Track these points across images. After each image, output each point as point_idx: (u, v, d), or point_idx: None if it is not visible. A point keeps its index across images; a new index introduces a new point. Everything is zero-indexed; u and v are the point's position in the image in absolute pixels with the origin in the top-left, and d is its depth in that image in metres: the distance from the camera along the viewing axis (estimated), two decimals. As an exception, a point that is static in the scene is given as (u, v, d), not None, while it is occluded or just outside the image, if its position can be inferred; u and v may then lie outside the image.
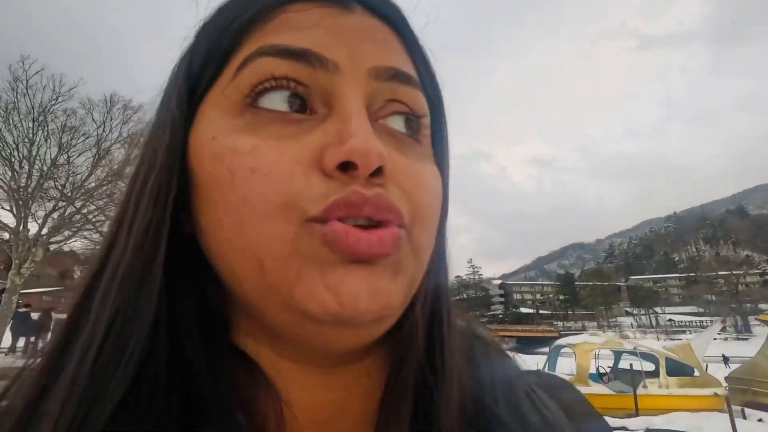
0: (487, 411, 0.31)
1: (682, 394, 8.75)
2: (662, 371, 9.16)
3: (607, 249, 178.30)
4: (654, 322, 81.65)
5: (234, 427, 0.27)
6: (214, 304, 0.31)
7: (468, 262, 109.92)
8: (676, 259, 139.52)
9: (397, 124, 0.32)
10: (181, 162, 0.30)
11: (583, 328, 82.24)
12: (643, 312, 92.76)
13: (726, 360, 20.13)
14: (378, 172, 0.27)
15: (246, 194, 0.27)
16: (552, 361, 10.37)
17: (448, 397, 0.30)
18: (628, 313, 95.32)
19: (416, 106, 0.32)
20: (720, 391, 8.80)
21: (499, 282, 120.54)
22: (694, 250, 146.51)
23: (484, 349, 0.35)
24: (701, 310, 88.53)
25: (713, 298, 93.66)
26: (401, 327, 0.30)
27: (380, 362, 0.33)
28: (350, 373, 0.32)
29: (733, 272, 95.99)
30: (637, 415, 7.94)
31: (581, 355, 9.37)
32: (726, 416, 8.02)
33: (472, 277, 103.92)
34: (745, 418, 8.11)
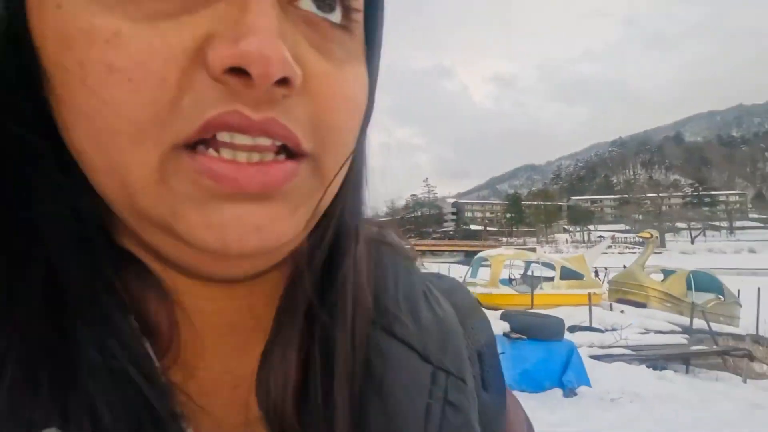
0: (388, 310, 0.31)
1: (569, 293, 11.03)
2: (557, 276, 11.38)
3: (555, 171, 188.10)
4: (586, 238, 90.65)
5: (124, 329, 0.24)
6: (90, 200, 0.25)
7: (424, 181, 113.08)
8: (614, 181, 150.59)
9: (310, 5, 0.24)
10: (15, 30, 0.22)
11: (524, 244, 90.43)
12: (578, 229, 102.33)
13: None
14: (284, 81, 0.21)
15: (103, 102, 0.20)
16: (474, 269, 12.38)
17: (346, 308, 0.29)
18: (565, 230, 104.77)
19: None
20: (598, 290, 11.19)
21: (452, 201, 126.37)
22: (631, 173, 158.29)
23: (391, 256, 0.35)
24: (628, 228, 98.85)
25: (640, 217, 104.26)
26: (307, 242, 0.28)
27: (287, 272, 0.30)
28: (252, 285, 0.29)
29: (660, 194, 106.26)
30: (532, 308, 10.08)
31: (495, 264, 11.33)
32: (598, 308, 10.40)
33: (427, 195, 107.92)
34: (611, 310, 10.51)
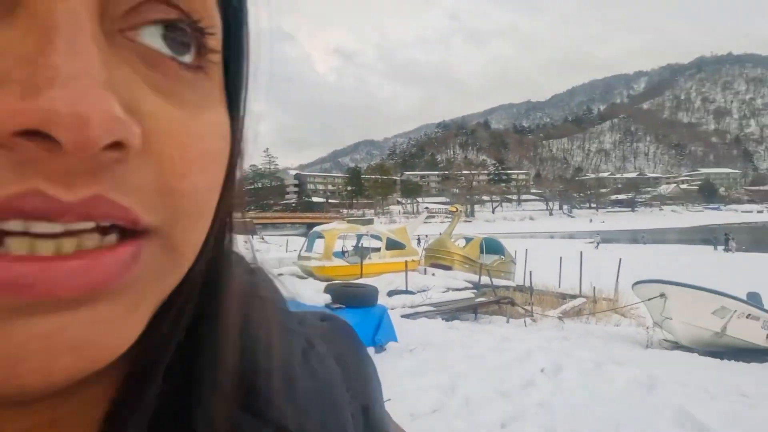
0: (258, 388, 0.24)
1: (394, 261, 12.48)
2: (383, 247, 12.73)
3: (391, 147, 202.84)
4: (415, 210, 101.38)
5: None
6: None
7: (264, 151, 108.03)
8: (439, 159, 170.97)
9: (157, 41, 0.17)
10: None
11: (363, 215, 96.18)
12: (409, 201, 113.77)
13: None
14: (115, 144, 0.15)
15: None
16: (310, 243, 12.84)
17: (205, 399, 0.21)
18: (399, 203, 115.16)
19: (195, 6, 0.18)
20: (416, 257, 12.99)
21: (295, 173, 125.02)
22: (451, 153, 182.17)
23: (262, 311, 0.26)
24: (448, 200, 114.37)
25: (457, 191, 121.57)
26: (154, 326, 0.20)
27: (121, 368, 0.21)
28: (66, 393, 0.19)
29: (471, 172, 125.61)
30: (361, 277, 11.08)
31: (329, 238, 11.99)
32: (415, 273, 12.03)
33: (268, 167, 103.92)
34: (425, 273, 12.33)
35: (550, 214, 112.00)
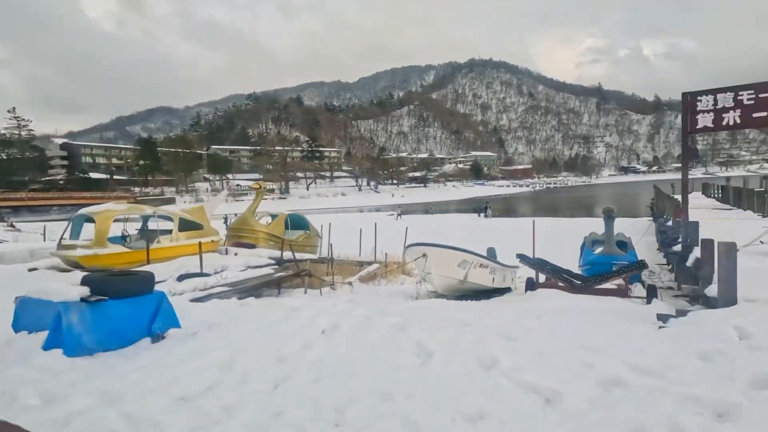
0: None
1: (189, 243, 11.46)
2: (175, 229, 11.52)
3: (194, 117, 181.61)
4: (225, 187, 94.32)
5: None
6: None
7: (10, 111, 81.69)
8: (250, 133, 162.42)
9: None
10: None
11: (162, 194, 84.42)
12: (218, 178, 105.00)
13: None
14: None
15: None
16: (76, 228, 10.58)
17: None
18: (206, 179, 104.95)
19: None
20: (215, 238, 12.23)
21: (62, 142, 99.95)
22: (264, 127, 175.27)
23: None
24: (262, 177, 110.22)
25: (270, 167, 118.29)
26: None
27: None
28: None
29: (285, 148, 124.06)
30: (147, 263, 9.80)
31: (101, 221, 10.13)
32: (215, 254, 11.32)
33: (17, 132, 79.50)
34: (227, 253, 11.76)
35: (360, 190, 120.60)
